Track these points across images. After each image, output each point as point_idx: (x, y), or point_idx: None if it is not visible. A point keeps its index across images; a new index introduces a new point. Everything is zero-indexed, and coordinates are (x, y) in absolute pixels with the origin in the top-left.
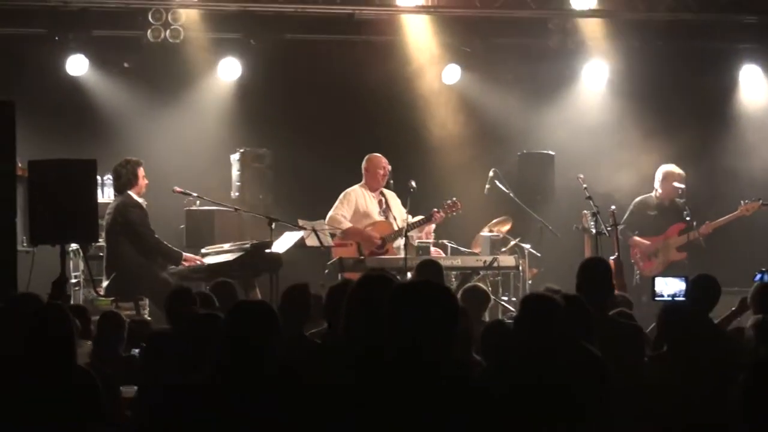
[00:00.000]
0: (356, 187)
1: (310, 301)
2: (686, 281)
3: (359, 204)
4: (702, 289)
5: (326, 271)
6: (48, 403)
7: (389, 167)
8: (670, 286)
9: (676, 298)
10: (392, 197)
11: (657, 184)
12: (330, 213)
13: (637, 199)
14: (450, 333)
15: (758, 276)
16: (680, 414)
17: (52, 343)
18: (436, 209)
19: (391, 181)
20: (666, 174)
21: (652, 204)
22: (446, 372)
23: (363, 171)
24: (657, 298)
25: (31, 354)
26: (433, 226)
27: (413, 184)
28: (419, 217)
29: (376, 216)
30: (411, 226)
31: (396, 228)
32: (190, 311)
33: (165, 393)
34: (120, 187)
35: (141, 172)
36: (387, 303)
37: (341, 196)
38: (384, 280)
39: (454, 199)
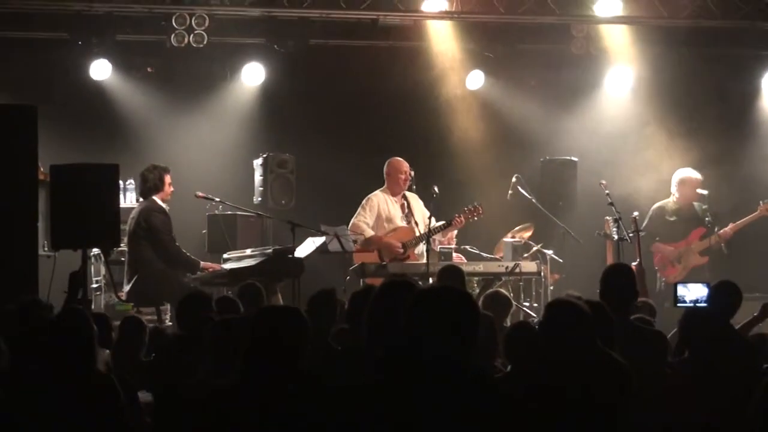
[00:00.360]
0: (378, 192)
1: (336, 306)
2: (708, 287)
3: (381, 209)
4: (723, 295)
5: (347, 277)
6: (68, 408)
7: (411, 172)
8: (692, 292)
9: (698, 304)
10: (414, 200)
11: (674, 189)
12: (353, 220)
13: (655, 205)
14: (470, 338)
15: None
16: (701, 420)
17: (72, 347)
18: (457, 214)
19: (414, 186)
20: (683, 179)
21: (670, 210)
22: (466, 376)
23: (385, 176)
24: (679, 304)
25: (51, 358)
26: (455, 231)
27: (436, 189)
28: (441, 223)
29: (399, 221)
30: (432, 232)
31: (417, 234)
32: (206, 316)
33: (185, 397)
34: (145, 192)
35: (168, 179)
36: (407, 307)
37: (364, 202)
38: (407, 286)
39: (476, 203)
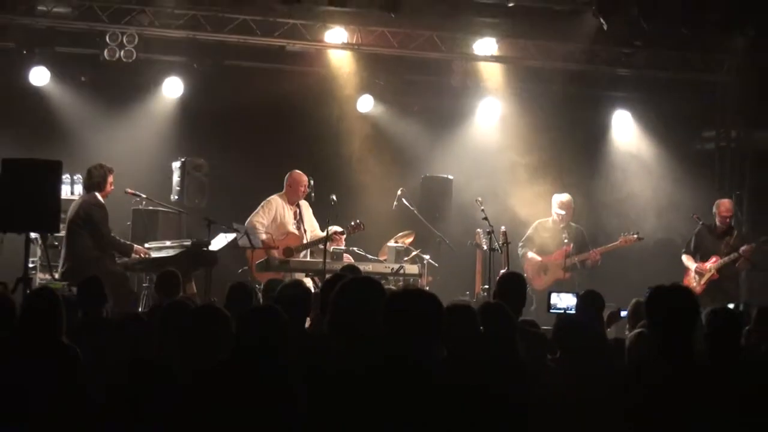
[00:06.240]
0: (277, 196)
1: (253, 298)
2: (577, 296)
3: (278, 213)
4: (588, 302)
5: (241, 270)
6: (34, 376)
7: (311, 181)
8: (563, 300)
9: (568, 311)
10: (306, 208)
11: (553, 211)
12: (251, 217)
13: (537, 221)
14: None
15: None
16: (573, 417)
17: (40, 321)
18: (336, 232)
19: (313, 194)
20: (562, 202)
21: (547, 227)
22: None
23: (285, 185)
24: (552, 311)
25: (21, 331)
26: (344, 234)
27: (334, 198)
28: (323, 236)
29: (290, 226)
30: (313, 243)
31: (304, 242)
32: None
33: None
34: (89, 187)
35: (111, 179)
36: (388, 308)
37: (264, 203)
38: (374, 285)
39: (358, 221)
